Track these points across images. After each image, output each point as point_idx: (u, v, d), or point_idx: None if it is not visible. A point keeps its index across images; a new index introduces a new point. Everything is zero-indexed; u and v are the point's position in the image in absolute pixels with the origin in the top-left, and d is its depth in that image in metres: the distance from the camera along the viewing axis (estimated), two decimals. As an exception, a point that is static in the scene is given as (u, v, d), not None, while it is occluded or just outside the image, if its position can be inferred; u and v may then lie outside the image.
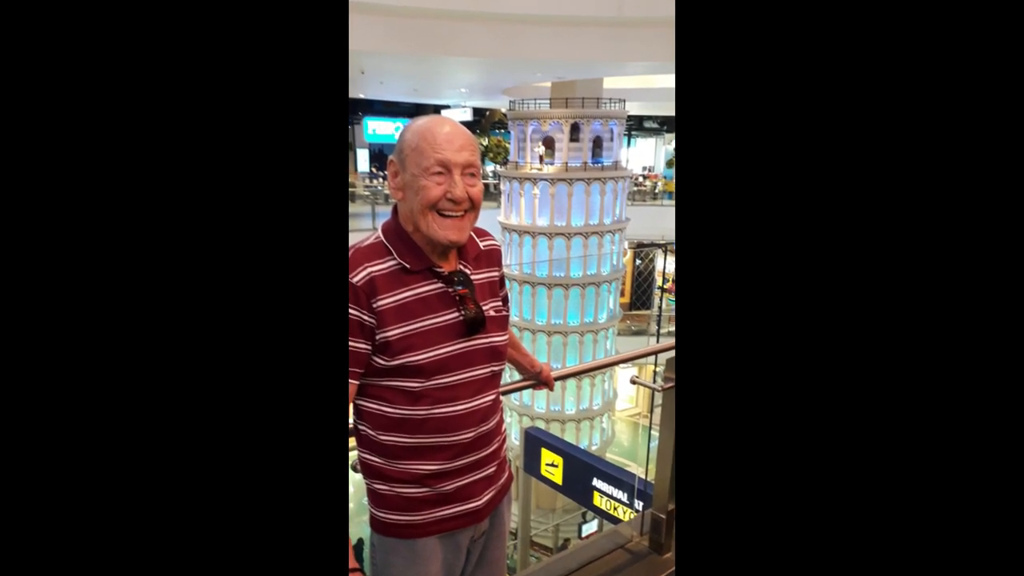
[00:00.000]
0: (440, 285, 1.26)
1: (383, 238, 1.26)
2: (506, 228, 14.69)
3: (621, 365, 2.87)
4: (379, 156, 26.30)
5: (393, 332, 1.20)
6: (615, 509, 7.49)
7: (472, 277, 1.32)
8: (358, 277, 1.19)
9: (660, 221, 17.25)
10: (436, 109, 22.83)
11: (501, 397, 1.45)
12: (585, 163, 13.94)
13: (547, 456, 8.52)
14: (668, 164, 26.85)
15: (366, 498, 1.34)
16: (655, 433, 2.36)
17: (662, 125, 29.07)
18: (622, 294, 17.67)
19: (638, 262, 20.36)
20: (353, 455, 1.25)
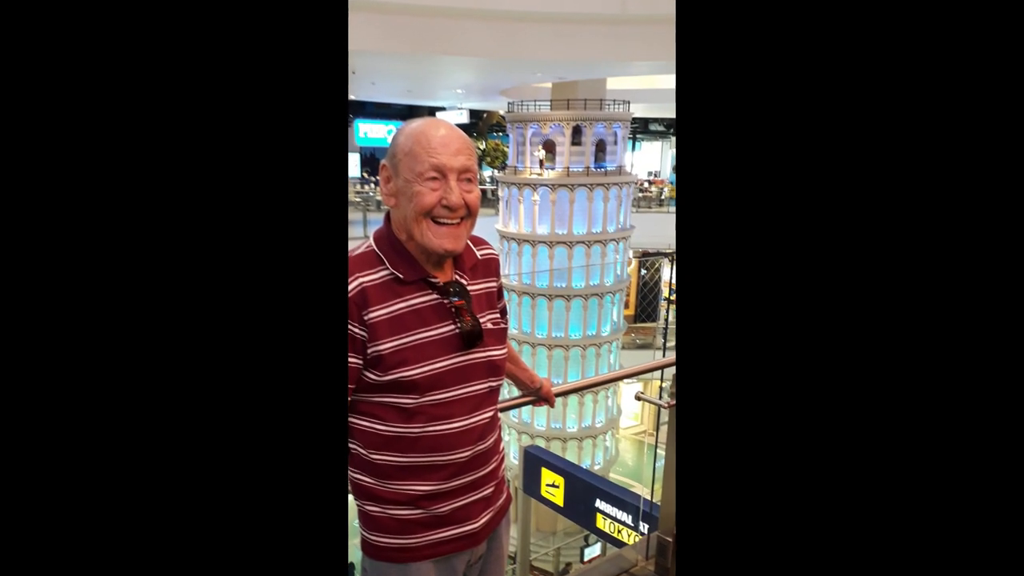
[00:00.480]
0: (435, 296, 1.27)
1: (375, 247, 1.27)
2: (504, 236, 14.70)
3: (625, 380, 2.87)
4: (371, 160, 26.37)
5: (385, 346, 1.20)
6: (619, 532, 7.46)
7: (469, 288, 1.32)
8: (349, 288, 1.20)
9: (666, 229, 17.23)
10: (431, 111, 22.92)
11: (499, 414, 1.45)
12: (587, 168, 13.96)
13: (547, 476, 8.50)
14: (675, 169, 26.91)
15: (357, 520, 1.34)
16: (661, 452, 2.36)
17: (668, 128, 29.16)
18: (626, 306, 17.65)
19: (643, 272, 20.36)
20: (343, 474, 1.25)
